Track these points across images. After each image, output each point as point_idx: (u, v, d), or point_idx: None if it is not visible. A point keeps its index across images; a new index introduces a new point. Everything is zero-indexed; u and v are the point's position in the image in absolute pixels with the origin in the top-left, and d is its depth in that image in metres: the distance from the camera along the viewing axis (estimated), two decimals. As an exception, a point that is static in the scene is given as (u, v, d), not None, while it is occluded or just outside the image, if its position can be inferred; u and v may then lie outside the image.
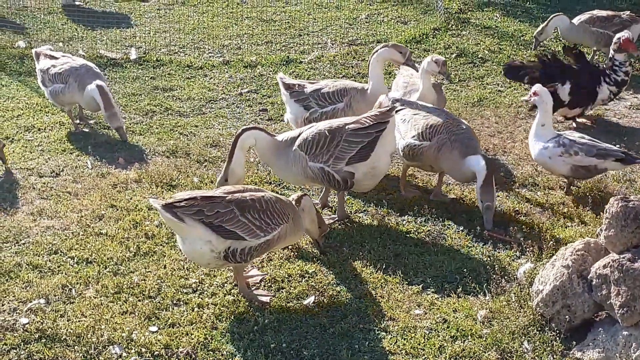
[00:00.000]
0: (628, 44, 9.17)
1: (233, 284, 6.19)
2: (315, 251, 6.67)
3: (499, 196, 7.55)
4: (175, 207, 5.62)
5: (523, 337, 5.57)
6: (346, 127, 6.88)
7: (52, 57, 9.17)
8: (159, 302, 6.00)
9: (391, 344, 5.58)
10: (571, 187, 7.82)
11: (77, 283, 6.19)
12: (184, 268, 6.41)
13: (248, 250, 5.80)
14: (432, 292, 6.20)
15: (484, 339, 5.61)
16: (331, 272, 6.41)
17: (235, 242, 5.75)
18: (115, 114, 8.64)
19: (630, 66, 9.31)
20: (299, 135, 6.93)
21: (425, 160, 7.39)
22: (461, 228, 7.11)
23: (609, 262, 5.36)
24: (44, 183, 7.80)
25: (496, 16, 13.49)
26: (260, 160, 7.01)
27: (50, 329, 5.61)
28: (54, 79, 8.86)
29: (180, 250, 6.51)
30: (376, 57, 7.95)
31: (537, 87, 7.83)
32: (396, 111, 7.32)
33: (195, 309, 5.93)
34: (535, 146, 7.73)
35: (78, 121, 9.20)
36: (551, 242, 6.70)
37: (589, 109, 9.52)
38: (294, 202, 6.14)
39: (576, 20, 11.18)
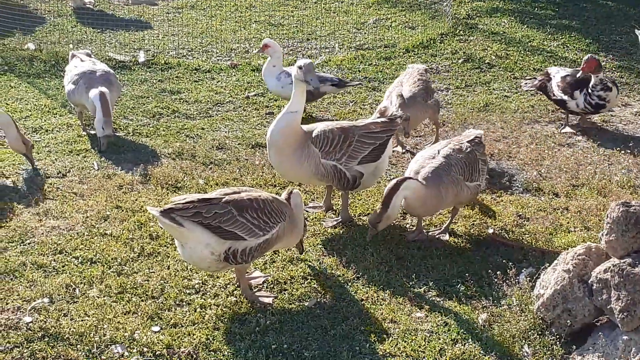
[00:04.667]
0: (589, 65, 9.11)
1: (235, 285, 6.23)
2: (318, 254, 6.71)
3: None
4: (173, 212, 5.66)
5: (523, 341, 5.58)
6: (357, 128, 7.07)
7: (81, 60, 9.27)
8: (162, 303, 6.03)
9: (392, 347, 5.60)
10: None
11: (81, 283, 6.23)
12: (187, 269, 6.45)
13: (249, 250, 5.83)
14: (434, 295, 6.22)
15: (485, 342, 5.63)
16: (333, 274, 6.44)
17: (235, 243, 5.77)
18: (110, 122, 8.53)
19: (602, 91, 9.13)
20: (312, 131, 7.01)
21: None
22: (463, 232, 7.14)
23: (610, 267, 5.37)
24: (51, 183, 7.85)
25: (504, 22, 13.51)
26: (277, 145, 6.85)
27: (53, 328, 5.65)
28: (71, 80, 8.95)
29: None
30: None
31: (267, 41, 9.57)
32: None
33: (198, 310, 5.96)
34: (269, 81, 9.59)
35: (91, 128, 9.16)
36: (553, 247, 6.73)
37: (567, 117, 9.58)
38: (285, 199, 6.17)
39: None
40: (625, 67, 11.70)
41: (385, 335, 5.72)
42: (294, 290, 6.22)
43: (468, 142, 7.07)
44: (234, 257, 5.79)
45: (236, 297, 6.11)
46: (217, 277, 6.36)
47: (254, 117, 9.81)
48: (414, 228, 7.12)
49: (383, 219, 6.60)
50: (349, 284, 6.32)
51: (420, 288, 6.28)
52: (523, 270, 6.32)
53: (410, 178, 6.63)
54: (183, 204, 5.72)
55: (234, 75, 11.12)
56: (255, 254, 5.90)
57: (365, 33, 13.05)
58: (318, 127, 7.10)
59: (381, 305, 6.06)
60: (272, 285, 6.30)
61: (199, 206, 5.70)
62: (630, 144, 8.91)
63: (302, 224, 6.24)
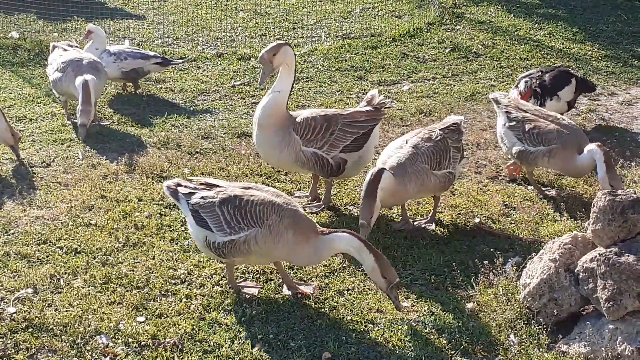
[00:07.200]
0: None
1: (221, 275, 6.19)
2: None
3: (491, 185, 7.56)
4: (179, 186, 5.87)
5: (510, 330, 5.57)
6: (341, 116, 7.04)
7: (64, 50, 9.20)
8: (147, 293, 5.99)
9: (378, 336, 5.59)
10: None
11: (66, 273, 6.18)
12: (172, 259, 6.41)
13: (217, 245, 5.69)
14: (420, 284, 6.21)
15: (471, 331, 5.62)
16: (319, 264, 6.41)
17: (209, 234, 5.71)
18: (89, 111, 8.42)
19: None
20: (296, 117, 6.98)
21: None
22: (450, 221, 7.13)
23: (596, 256, 5.37)
24: (34, 173, 7.79)
25: (490, 11, 13.50)
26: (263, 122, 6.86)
27: (37, 319, 5.60)
28: (57, 68, 8.87)
29: (172, 241, 6.66)
30: None
31: (91, 27, 9.94)
32: None
33: (183, 300, 5.92)
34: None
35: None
36: (540, 236, 6.73)
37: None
38: (319, 230, 5.66)
39: None
40: (611, 56, 11.72)
41: (371, 325, 5.70)
42: (280, 280, 6.19)
43: (441, 129, 6.94)
44: (212, 248, 5.74)
45: (222, 287, 6.07)
46: (203, 267, 6.32)
47: (240, 106, 9.77)
48: (400, 218, 7.10)
49: (375, 210, 6.35)
50: (335, 273, 6.30)
51: (407, 278, 6.27)
52: (509, 260, 6.31)
53: (385, 169, 6.55)
54: (191, 181, 5.89)
55: (220, 64, 11.06)
56: (226, 251, 5.69)
57: (351, 22, 13.01)
58: (303, 113, 7.09)
59: (367, 294, 6.04)
60: (258, 275, 6.27)
61: (198, 188, 5.80)
62: (616, 133, 8.92)
63: (315, 256, 5.69)
